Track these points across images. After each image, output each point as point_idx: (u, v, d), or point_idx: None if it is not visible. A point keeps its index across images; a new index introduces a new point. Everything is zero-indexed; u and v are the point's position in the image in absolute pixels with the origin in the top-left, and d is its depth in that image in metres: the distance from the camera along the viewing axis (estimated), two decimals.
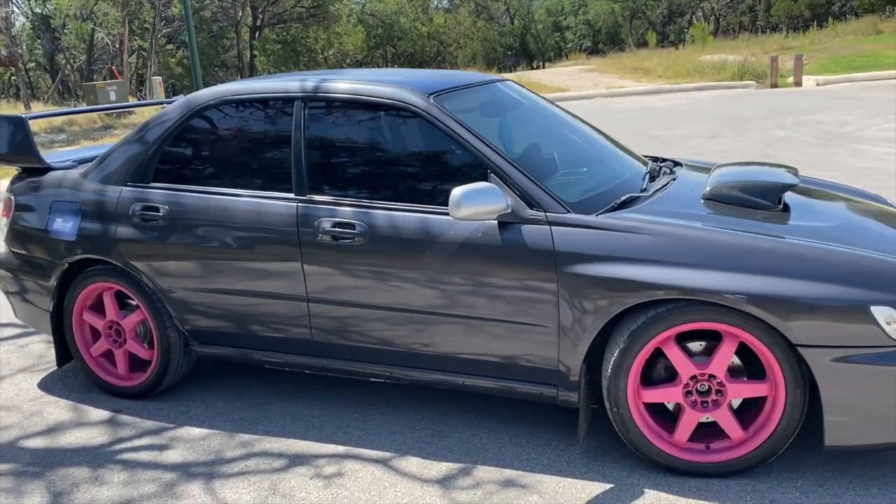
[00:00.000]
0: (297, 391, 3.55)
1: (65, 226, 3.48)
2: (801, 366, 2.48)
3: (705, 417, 2.63)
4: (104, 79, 23.97)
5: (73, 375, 3.89)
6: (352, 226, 2.96)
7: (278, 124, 3.25)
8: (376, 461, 2.93)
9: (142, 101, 4.52)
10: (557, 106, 3.79)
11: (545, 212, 2.73)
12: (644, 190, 3.04)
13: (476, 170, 2.89)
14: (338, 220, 2.99)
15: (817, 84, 18.45)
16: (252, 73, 27.92)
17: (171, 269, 3.30)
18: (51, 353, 4.22)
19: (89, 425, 3.36)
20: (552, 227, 2.70)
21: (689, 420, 2.64)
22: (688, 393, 2.63)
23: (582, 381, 2.75)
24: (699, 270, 2.49)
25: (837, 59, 21.71)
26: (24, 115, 3.66)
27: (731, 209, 2.87)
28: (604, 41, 50.43)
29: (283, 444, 3.11)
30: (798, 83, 18.73)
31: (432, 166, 3.09)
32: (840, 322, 2.39)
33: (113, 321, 3.54)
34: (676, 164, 3.60)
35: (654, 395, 2.66)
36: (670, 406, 2.73)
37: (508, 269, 2.75)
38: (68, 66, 32.14)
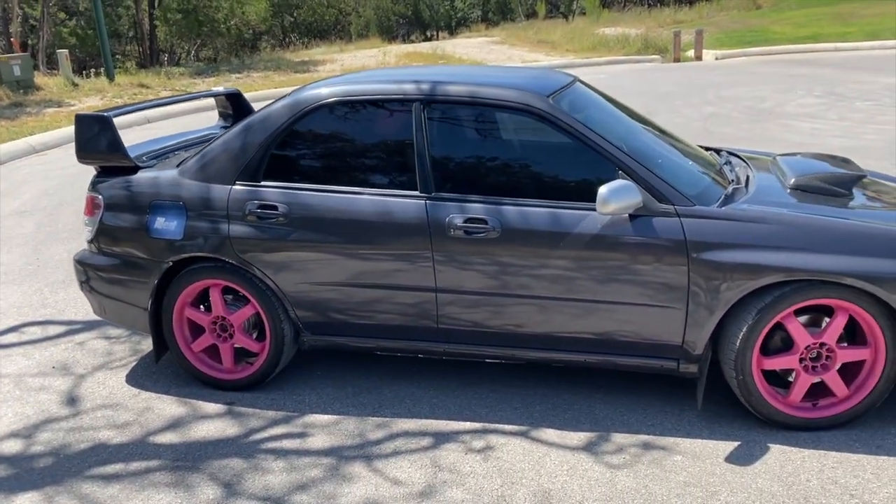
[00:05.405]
0: (397, 375, 3.76)
1: (168, 225, 3.53)
2: None
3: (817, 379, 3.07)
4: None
5: (156, 371, 3.94)
6: (483, 221, 3.20)
7: (397, 125, 3.42)
8: (516, 434, 3.22)
9: (202, 92, 4.55)
10: (609, 98, 4.10)
11: (674, 205, 3.07)
12: (736, 182, 3.43)
13: (595, 167, 3.18)
14: (469, 216, 3.22)
15: (716, 58, 19.64)
16: (152, 43, 26.66)
17: (291, 265, 3.43)
18: (116, 350, 4.24)
19: (210, 419, 3.46)
20: (682, 219, 3.04)
21: (803, 383, 3.07)
22: (801, 360, 3.05)
23: (705, 354, 3.13)
24: (824, 255, 2.90)
25: (729, 33, 23.11)
26: (109, 114, 3.64)
27: (818, 198, 3.30)
28: (493, 10, 50.97)
29: (418, 424, 3.33)
30: (699, 57, 19.88)
31: (554, 164, 3.35)
32: None
33: (220, 316, 3.62)
34: (731, 154, 4.00)
35: (773, 363, 3.07)
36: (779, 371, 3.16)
37: (640, 257, 3.07)
38: None
